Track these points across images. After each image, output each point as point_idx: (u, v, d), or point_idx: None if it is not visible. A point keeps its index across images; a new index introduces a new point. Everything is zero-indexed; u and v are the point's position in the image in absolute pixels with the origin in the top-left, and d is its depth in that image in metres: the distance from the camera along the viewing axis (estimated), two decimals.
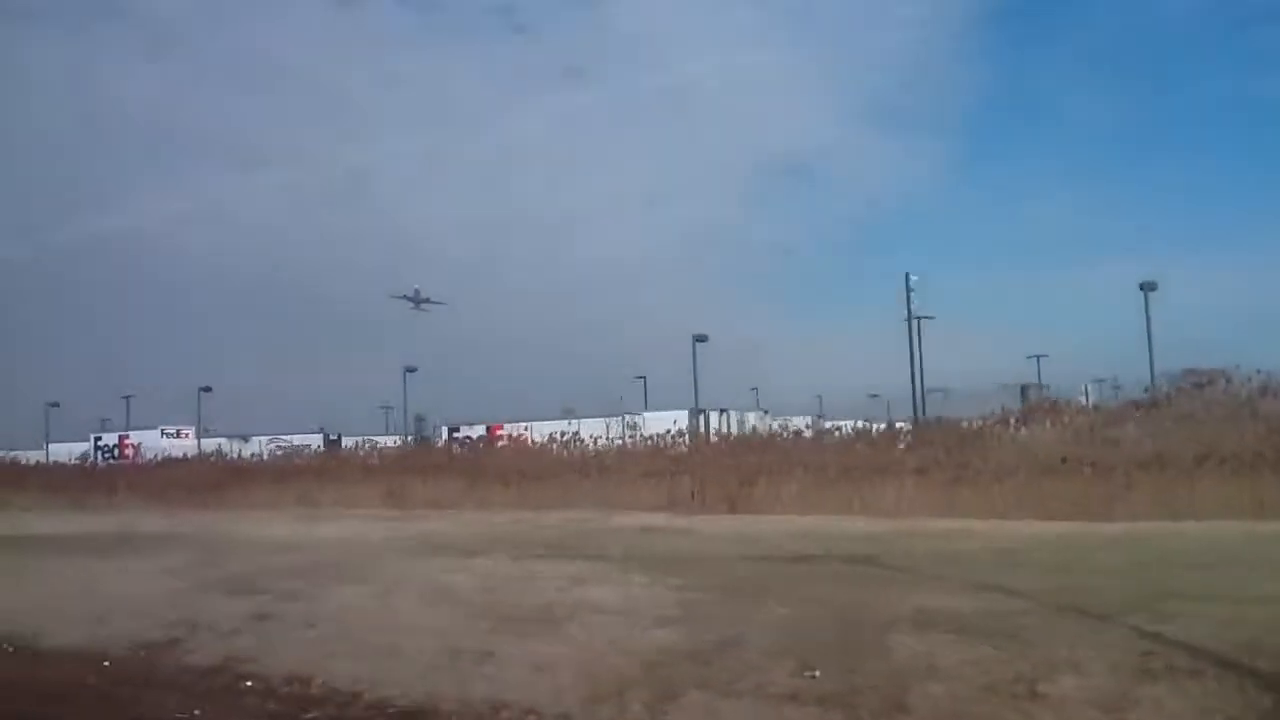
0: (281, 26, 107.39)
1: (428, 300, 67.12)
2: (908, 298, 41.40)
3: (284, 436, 48.51)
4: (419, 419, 59.88)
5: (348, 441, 38.48)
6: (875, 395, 42.61)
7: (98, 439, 48.75)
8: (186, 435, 46.48)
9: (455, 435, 42.75)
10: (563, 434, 28.21)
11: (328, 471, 27.65)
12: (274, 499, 25.89)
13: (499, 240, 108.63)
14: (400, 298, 65.24)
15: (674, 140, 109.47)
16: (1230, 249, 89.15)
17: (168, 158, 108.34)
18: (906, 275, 43.02)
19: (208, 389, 46.99)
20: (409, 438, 44.33)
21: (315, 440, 46.60)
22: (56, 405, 54.20)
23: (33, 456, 45.98)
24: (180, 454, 39.62)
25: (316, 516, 22.08)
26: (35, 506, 28.77)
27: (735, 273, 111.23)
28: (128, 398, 54.51)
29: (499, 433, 40.52)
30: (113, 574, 13.31)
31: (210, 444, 42.39)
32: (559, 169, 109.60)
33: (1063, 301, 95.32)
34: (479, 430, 43.30)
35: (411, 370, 54.09)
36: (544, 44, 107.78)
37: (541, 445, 27.02)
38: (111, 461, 43.82)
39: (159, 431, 46.94)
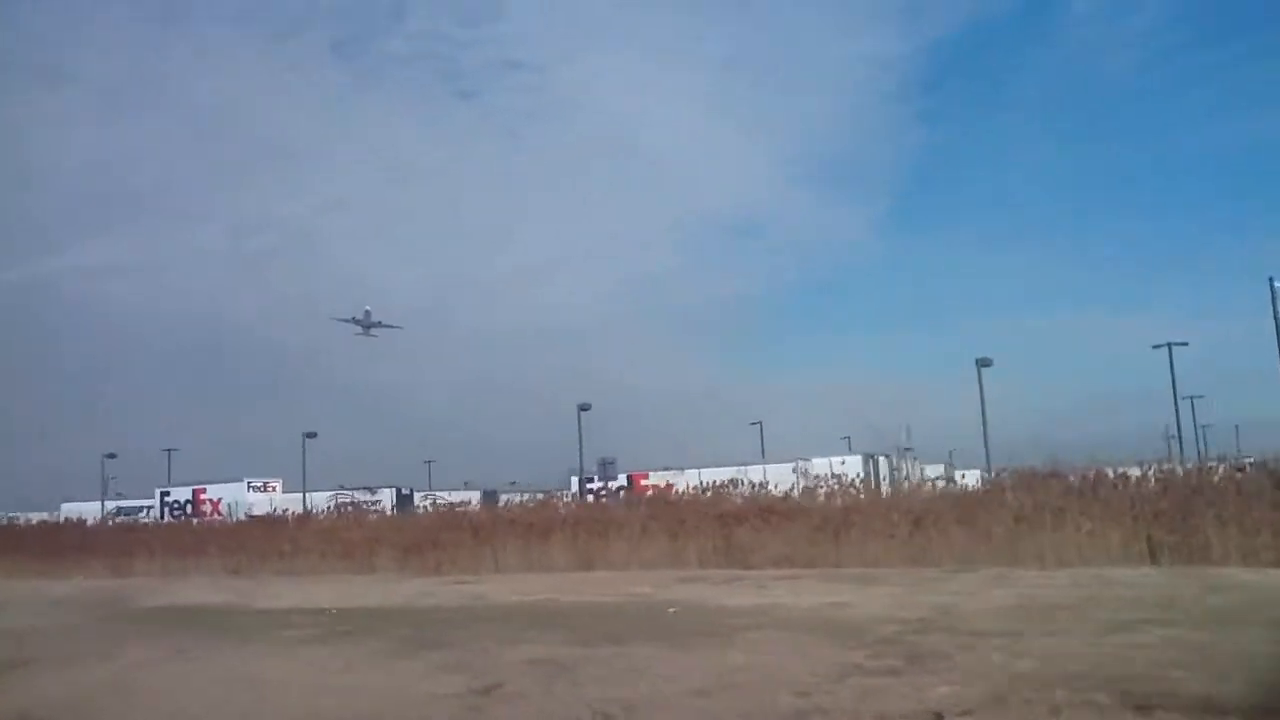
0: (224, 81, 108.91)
1: (378, 324, 61.48)
2: None
3: (363, 491, 44.45)
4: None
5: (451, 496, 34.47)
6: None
7: (165, 494, 44.20)
8: (274, 489, 42.02)
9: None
10: (735, 481, 23.70)
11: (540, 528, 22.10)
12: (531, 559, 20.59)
13: (447, 293, 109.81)
14: (347, 321, 60.17)
15: (616, 198, 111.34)
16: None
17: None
18: None
19: (312, 435, 42.25)
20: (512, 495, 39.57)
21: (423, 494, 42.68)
22: (113, 456, 50.44)
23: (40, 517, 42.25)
24: (268, 509, 35.56)
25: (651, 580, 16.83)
26: (164, 571, 24.77)
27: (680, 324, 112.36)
28: (168, 450, 50.63)
29: (643, 481, 36.29)
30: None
31: (293, 498, 38.14)
32: (504, 226, 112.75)
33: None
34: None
35: None
36: (489, 108, 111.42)
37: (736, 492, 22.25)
38: (190, 518, 39.17)
39: (245, 484, 42.21)
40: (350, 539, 23.30)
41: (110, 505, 51.66)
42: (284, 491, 41.68)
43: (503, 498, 45.56)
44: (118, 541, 28.48)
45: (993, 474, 22.68)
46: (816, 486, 21.49)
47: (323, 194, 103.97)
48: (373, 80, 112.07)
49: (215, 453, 71.25)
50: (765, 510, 19.44)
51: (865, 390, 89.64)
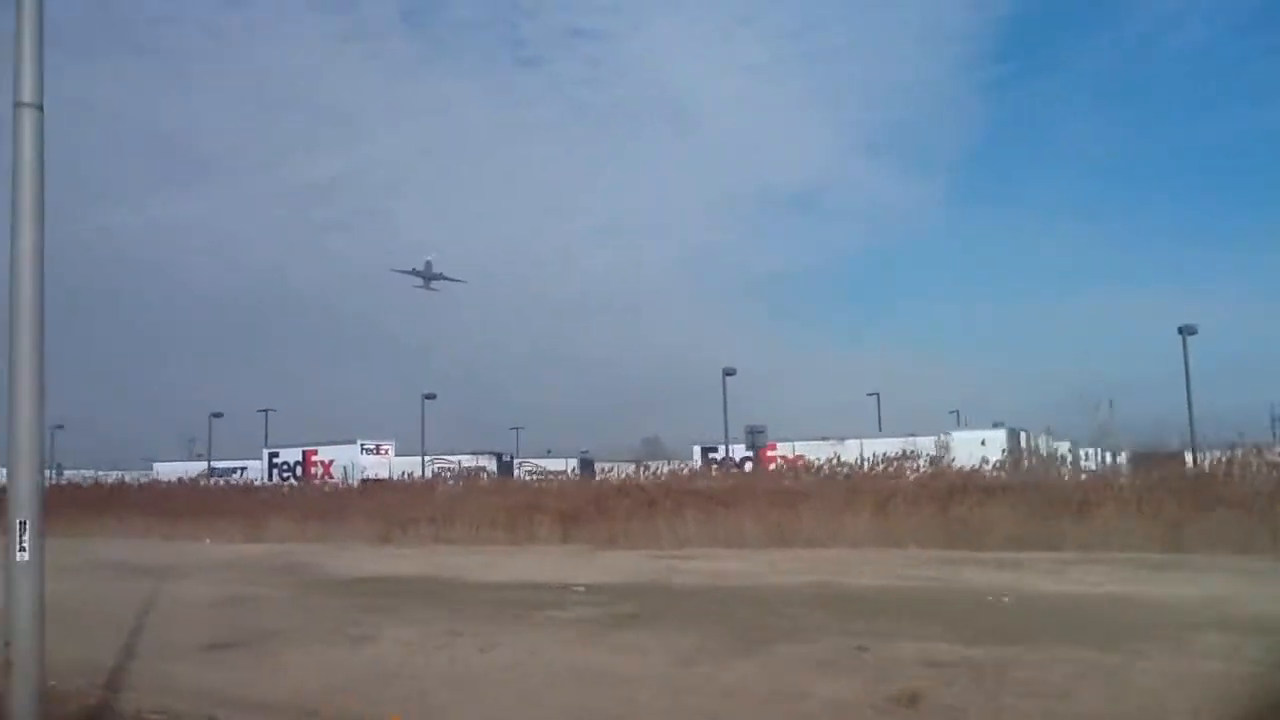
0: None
1: (440, 276, 58.55)
2: None
3: (460, 457, 43.20)
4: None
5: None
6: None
7: (273, 455, 43.15)
8: (386, 451, 40.82)
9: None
10: (907, 455, 22.10)
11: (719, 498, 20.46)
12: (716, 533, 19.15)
13: (509, 260, 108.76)
14: (408, 272, 57.76)
15: (677, 168, 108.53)
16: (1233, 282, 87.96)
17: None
18: None
19: (431, 396, 40.65)
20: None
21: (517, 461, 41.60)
22: (220, 415, 49.77)
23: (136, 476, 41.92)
24: (382, 473, 34.43)
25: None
26: (305, 536, 23.75)
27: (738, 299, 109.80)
28: (265, 411, 49.80)
29: (770, 453, 34.67)
30: None
31: (403, 462, 37.11)
32: (566, 194, 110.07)
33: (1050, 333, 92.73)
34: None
35: None
36: (552, 76, 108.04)
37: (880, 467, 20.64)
38: (300, 482, 38.01)
39: (358, 446, 40.93)
40: (508, 506, 21.94)
41: (203, 465, 51.84)
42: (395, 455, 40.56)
43: (601, 467, 44.18)
44: (244, 503, 27.51)
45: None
46: (1022, 460, 19.86)
47: (387, 162, 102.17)
48: (439, 48, 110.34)
49: (287, 416, 70.57)
50: (987, 486, 17.78)
51: (958, 365, 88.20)
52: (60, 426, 50.65)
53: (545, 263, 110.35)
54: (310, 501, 26.67)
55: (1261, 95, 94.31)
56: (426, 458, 41.60)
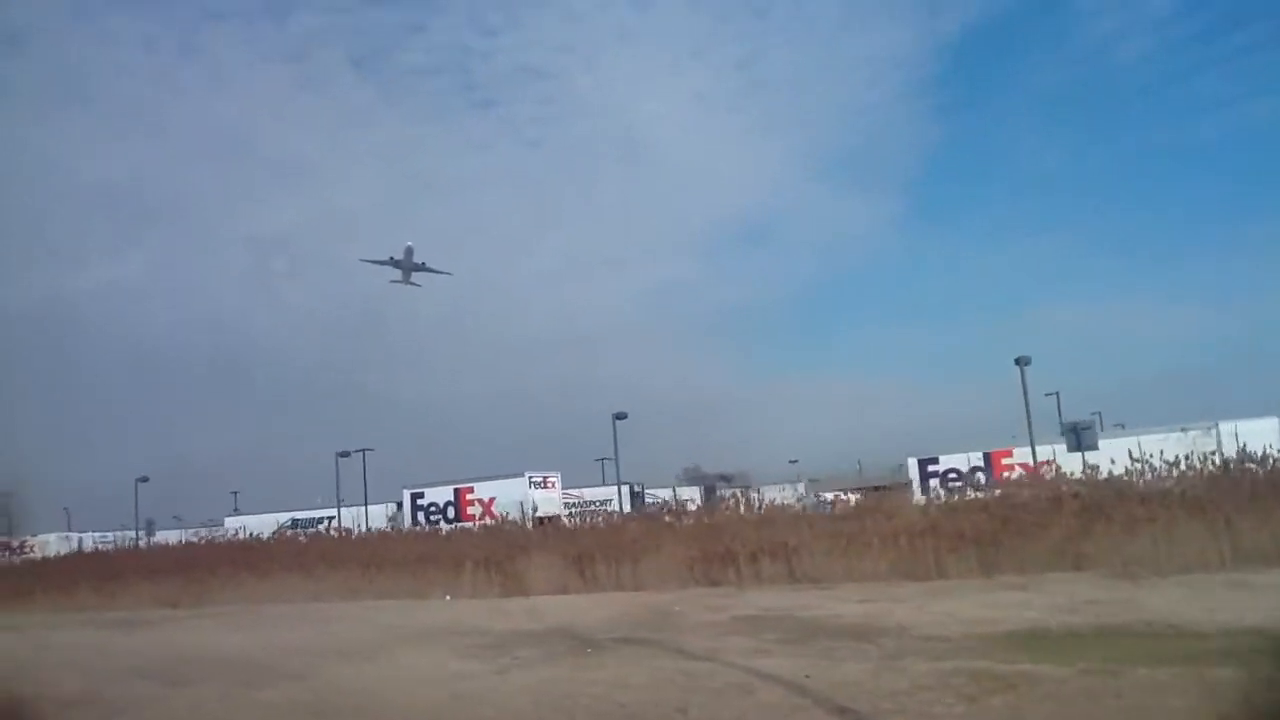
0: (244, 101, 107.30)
1: (422, 267, 53.65)
2: None
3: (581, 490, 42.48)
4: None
5: None
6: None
7: (416, 495, 40.19)
8: (553, 484, 37.82)
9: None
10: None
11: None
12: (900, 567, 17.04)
13: (463, 301, 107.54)
14: (382, 263, 53.02)
15: (633, 203, 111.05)
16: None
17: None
18: None
19: (622, 416, 37.05)
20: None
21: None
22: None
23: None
24: (549, 509, 32.91)
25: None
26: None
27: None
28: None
29: (1005, 460, 32.47)
30: None
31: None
32: (524, 233, 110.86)
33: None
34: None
35: None
36: (505, 117, 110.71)
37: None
38: (456, 525, 33.88)
39: (525, 480, 36.99)
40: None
41: (283, 517, 48.96)
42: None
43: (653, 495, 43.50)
44: (427, 551, 23.88)
45: None
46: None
47: (342, 207, 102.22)
48: (391, 94, 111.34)
49: (252, 471, 68.64)
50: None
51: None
52: (145, 479, 48.99)
53: (504, 303, 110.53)
54: (556, 542, 22.53)
55: (1206, 105, 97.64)
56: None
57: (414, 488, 40.34)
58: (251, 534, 34.87)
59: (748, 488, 32.74)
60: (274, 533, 38.34)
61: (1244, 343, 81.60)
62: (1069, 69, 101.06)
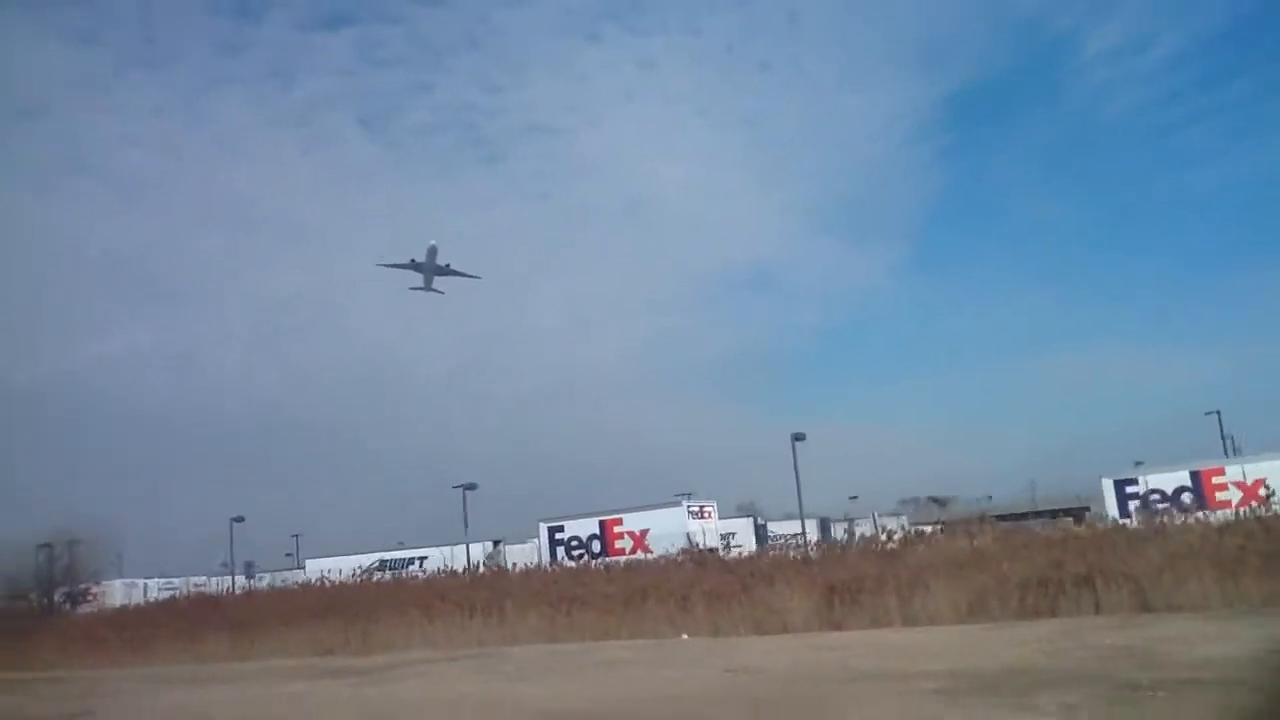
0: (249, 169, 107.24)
1: (446, 270, 49.24)
2: None
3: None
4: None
5: None
6: None
7: (555, 529, 36.54)
8: (710, 514, 34.64)
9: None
10: None
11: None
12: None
13: (473, 356, 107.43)
14: (402, 267, 48.70)
15: (638, 255, 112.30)
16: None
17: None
18: None
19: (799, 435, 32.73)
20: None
21: None
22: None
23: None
24: (715, 542, 29.58)
25: None
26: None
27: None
28: (463, 487, 44.87)
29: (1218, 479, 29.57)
30: None
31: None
32: (531, 286, 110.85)
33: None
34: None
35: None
36: (511, 173, 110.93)
37: None
38: (602, 560, 31.55)
39: (683, 509, 33.68)
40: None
41: (366, 559, 44.83)
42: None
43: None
44: (639, 585, 20.94)
45: None
46: None
47: (348, 267, 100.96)
48: (399, 152, 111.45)
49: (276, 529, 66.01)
50: None
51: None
52: (241, 518, 45.69)
53: (510, 356, 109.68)
54: (796, 574, 19.86)
55: (1195, 158, 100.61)
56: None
57: (551, 520, 37.16)
58: (354, 574, 32.16)
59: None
60: (362, 574, 35.47)
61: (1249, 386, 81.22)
62: (1065, 122, 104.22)
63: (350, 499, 78.85)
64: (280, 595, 30.65)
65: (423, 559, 44.70)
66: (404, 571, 39.96)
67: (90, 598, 48.69)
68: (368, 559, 46.41)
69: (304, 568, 47.45)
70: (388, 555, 46.98)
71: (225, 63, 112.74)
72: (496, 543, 44.43)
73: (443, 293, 50.76)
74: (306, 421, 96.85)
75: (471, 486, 42.89)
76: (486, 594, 23.35)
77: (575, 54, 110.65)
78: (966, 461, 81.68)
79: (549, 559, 33.95)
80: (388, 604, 24.34)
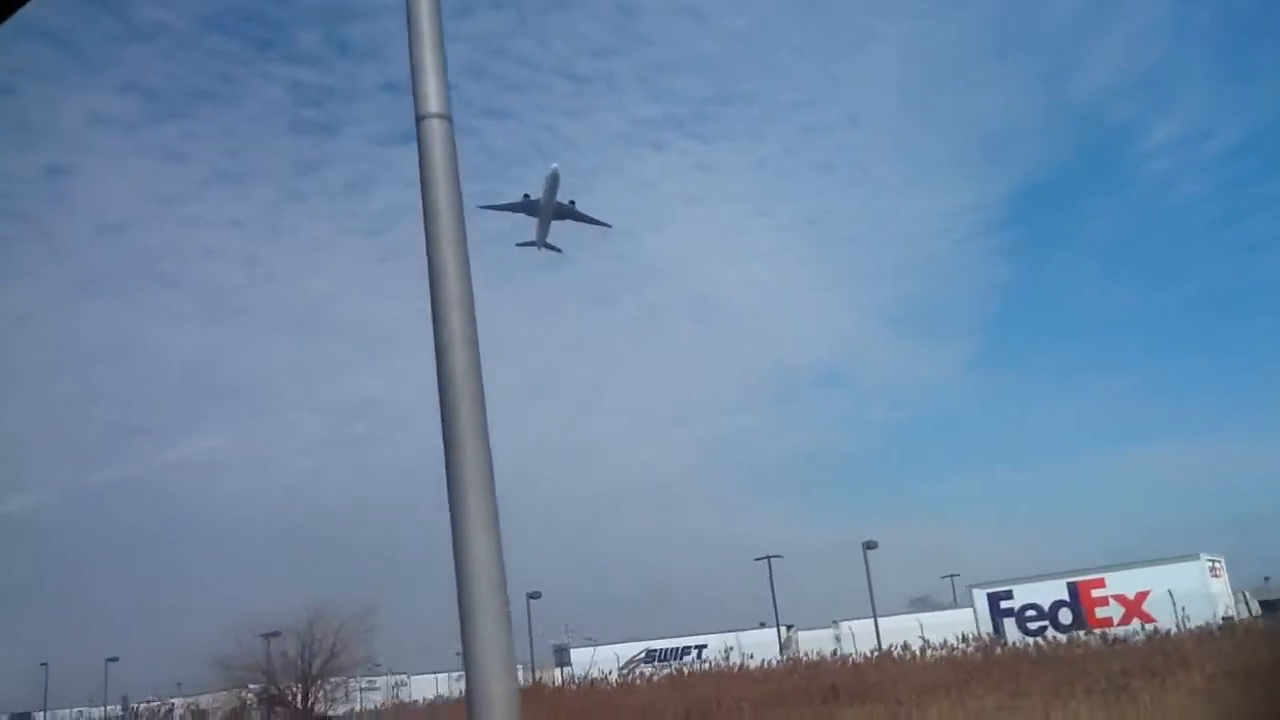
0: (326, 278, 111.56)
1: (572, 210, 42.99)
2: None
3: None
4: None
5: None
6: None
7: (999, 595, 31.37)
8: (1220, 572, 30.94)
9: None
10: None
11: None
12: None
13: (532, 463, 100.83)
14: (508, 208, 42.50)
15: (703, 356, 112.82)
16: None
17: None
18: None
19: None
20: None
21: None
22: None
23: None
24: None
25: None
26: None
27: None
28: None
29: None
30: None
31: None
32: (595, 388, 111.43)
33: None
34: None
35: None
36: (576, 275, 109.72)
37: None
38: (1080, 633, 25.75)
39: (1202, 564, 29.00)
40: None
41: (624, 649, 43.24)
42: None
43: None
44: None
45: None
46: None
47: (419, 372, 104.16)
48: (470, 257, 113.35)
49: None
50: None
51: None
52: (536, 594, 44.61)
53: (576, 459, 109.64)
54: None
55: (1261, 244, 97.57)
56: None
57: (991, 586, 32.71)
58: (620, 667, 33.06)
59: None
60: (626, 666, 36.19)
61: None
62: (1128, 212, 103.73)
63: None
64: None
65: (700, 647, 42.77)
66: (679, 661, 39.21)
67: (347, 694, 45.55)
68: (628, 649, 45.46)
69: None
70: (655, 645, 45.45)
71: (304, 177, 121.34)
72: (789, 626, 43.45)
73: (560, 250, 44.49)
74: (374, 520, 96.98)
75: (775, 557, 43.41)
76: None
77: (640, 161, 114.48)
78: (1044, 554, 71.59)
79: (991, 631, 29.68)
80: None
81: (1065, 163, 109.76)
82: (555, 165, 41.94)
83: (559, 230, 45.43)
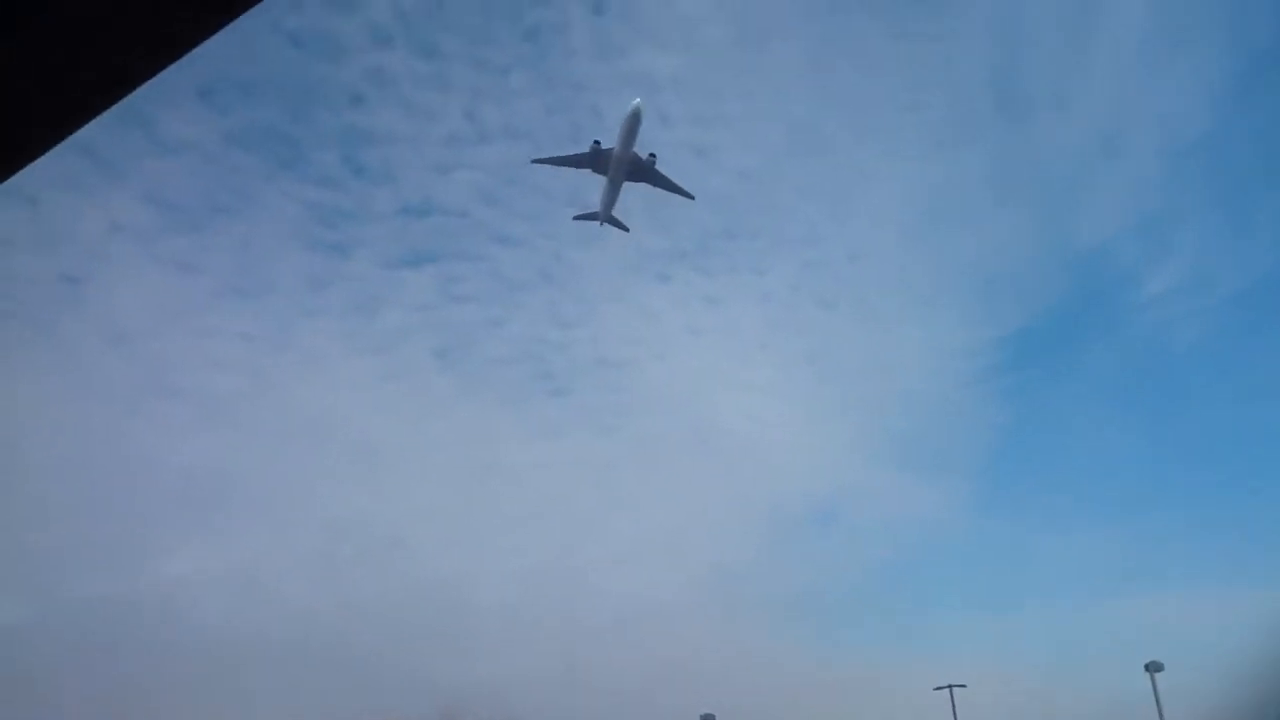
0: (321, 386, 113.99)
1: (651, 168, 39.96)
2: None
3: None
4: None
5: None
6: None
7: None
8: None
9: None
10: None
11: None
12: None
13: (538, 585, 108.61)
14: (568, 161, 40.22)
15: (700, 486, 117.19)
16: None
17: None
18: None
19: None
20: None
21: None
22: None
23: None
24: None
25: None
26: None
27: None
28: None
29: None
30: None
31: None
32: (594, 516, 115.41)
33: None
34: None
35: None
36: (579, 405, 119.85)
37: None
38: None
39: None
40: None
41: None
42: None
43: None
44: None
45: None
46: None
47: (417, 491, 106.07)
48: (472, 382, 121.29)
49: None
50: None
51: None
52: None
53: (566, 587, 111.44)
54: None
55: (1261, 392, 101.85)
56: None
57: None
58: None
59: None
60: None
61: None
62: (1126, 356, 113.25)
63: None
64: None
65: None
66: None
67: None
68: None
69: None
70: None
71: (315, 295, 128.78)
72: None
73: (627, 229, 37.82)
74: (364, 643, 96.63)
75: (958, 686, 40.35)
76: None
77: (646, 292, 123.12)
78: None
79: None
80: None
81: (1064, 305, 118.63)
82: (638, 100, 34.09)
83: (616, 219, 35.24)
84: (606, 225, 38.88)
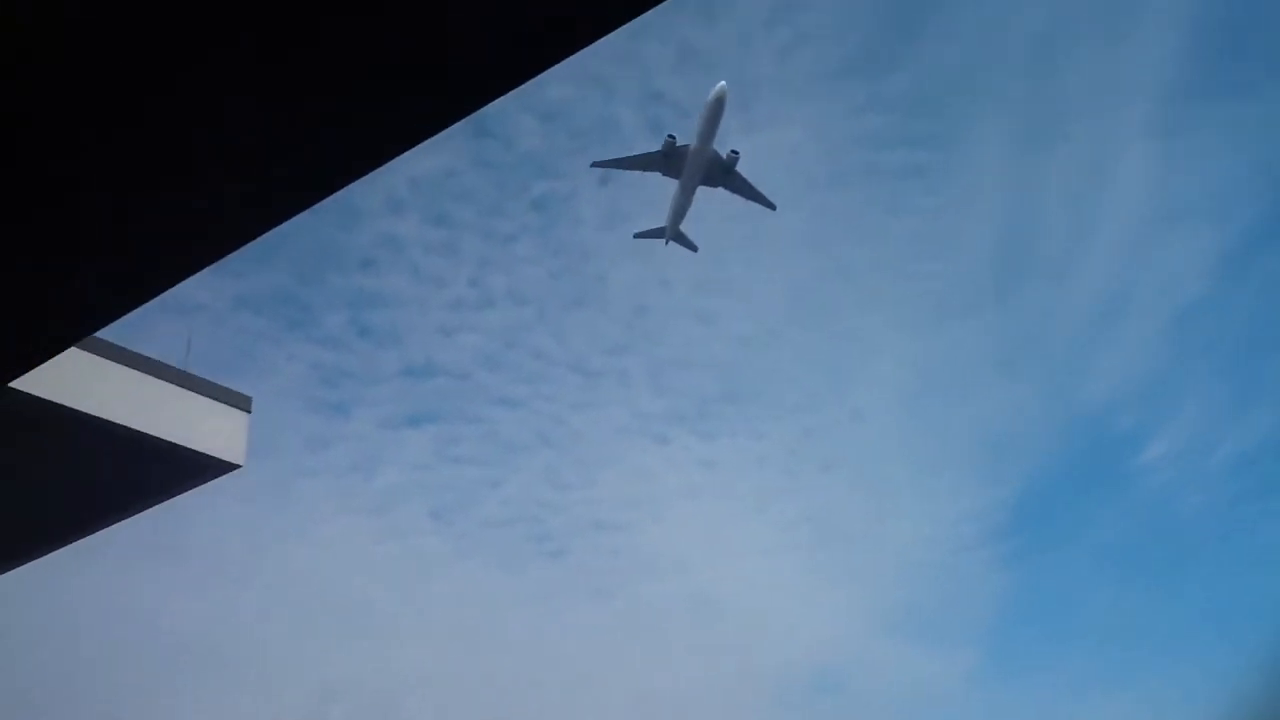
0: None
1: (732, 169, 33.32)
2: None
3: None
4: None
5: None
6: None
7: None
8: None
9: None
10: None
11: None
12: None
13: None
14: (638, 163, 32.09)
15: (698, 653, 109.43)
16: None
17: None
18: None
19: None
20: None
21: None
22: None
23: None
24: None
25: None
26: None
27: None
28: None
29: None
30: None
31: None
32: (589, 681, 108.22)
33: None
34: None
35: None
36: (577, 568, 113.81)
37: None
38: None
39: None
40: None
41: None
42: None
43: None
44: None
45: None
46: None
47: (406, 657, 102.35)
48: (467, 543, 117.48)
49: None
50: None
51: None
52: None
53: None
54: None
55: (1269, 558, 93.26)
56: None
57: None
58: None
59: None
60: None
61: None
62: (1132, 519, 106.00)
63: None
64: None
65: None
66: None
67: None
68: None
69: None
70: None
71: (312, 455, 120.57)
72: None
73: (696, 248, 32.40)
74: None
75: None
76: None
77: (643, 454, 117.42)
78: None
79: None
80: None
81: (1067, 468, 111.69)
82: (722, 83, 28.77)
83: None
84: (672, 243, 34.49)
